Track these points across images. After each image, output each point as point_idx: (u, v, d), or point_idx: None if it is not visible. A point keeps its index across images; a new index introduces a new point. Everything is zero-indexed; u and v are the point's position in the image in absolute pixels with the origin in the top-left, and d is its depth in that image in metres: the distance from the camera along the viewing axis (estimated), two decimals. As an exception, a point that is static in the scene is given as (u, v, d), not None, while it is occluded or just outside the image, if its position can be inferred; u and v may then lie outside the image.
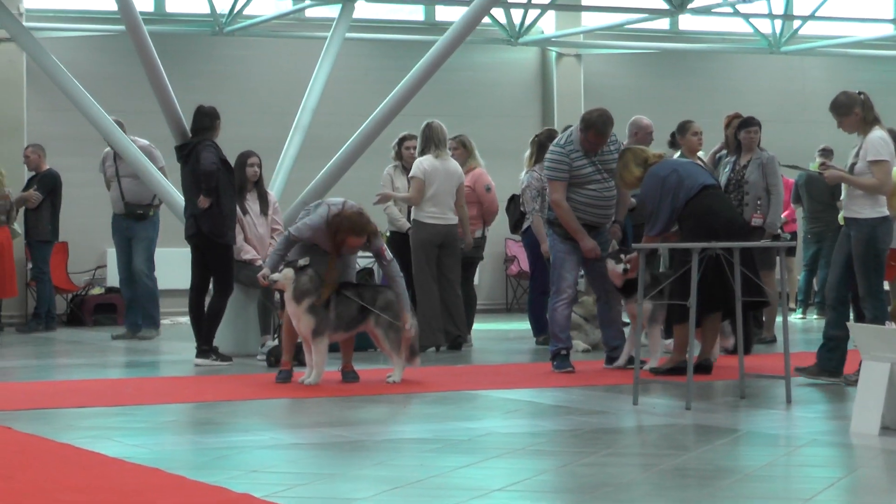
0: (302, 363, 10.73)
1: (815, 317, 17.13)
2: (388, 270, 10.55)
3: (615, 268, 11.01)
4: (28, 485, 6.28)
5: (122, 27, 14.61)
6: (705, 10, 19.83)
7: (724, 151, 13.26)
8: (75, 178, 17.27)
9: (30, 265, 17.06)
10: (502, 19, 20.09)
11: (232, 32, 18.92)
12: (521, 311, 18.82)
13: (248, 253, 12.79)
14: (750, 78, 21.64)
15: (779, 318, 12.28)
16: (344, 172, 13.91)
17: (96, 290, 18.15)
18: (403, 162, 13.72)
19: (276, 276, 10.33)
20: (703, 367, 10.54)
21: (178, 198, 13.19)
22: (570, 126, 11.60)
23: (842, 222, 10.25)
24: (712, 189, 10.61)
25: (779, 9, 20.83)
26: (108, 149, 15.11)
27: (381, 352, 10.93)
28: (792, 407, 8.97)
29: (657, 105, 19.45)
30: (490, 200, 13.93)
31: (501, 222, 15.14)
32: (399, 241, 13.53)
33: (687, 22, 21.64)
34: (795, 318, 17.36)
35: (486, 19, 18.78)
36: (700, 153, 13.22)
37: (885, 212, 9.93)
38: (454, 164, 13.38)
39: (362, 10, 18.88)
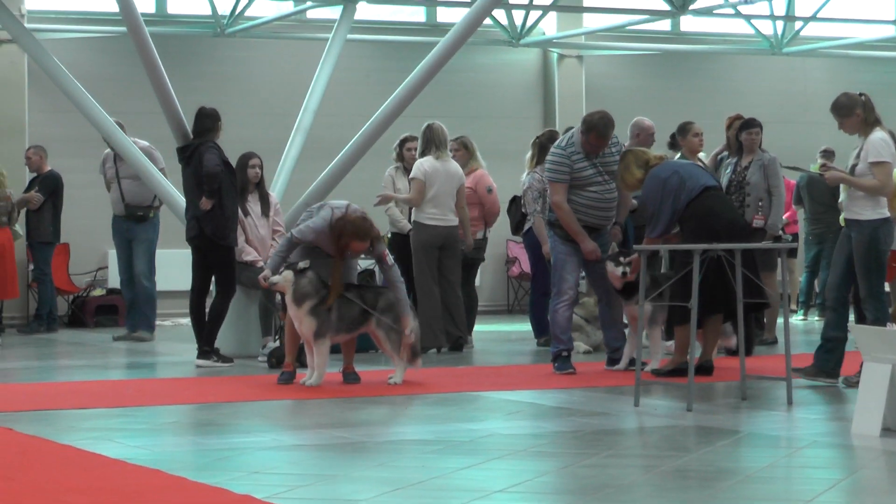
0: (305, 365, 10.73)
1: (816, 318, 17.12)
2: (389, 275, 10.54)
3: (614, 270, 11.01)
4: (29, 486, 6.29)
5: (123, 28, 14.63)
6: (707, 12, 19.83)
7: (726, 153, 13.26)
8: (77, 179, 17.27)
9: (31, 266, 17.06)
10: (504, 21, 20.08)
11: (233, 34, 18.91)
12: (522, 312, 18.81)
13: (249, 254, 12.78)
14: (751, 79, 21.63)
15: (780, 320, 12.28)
16: (345, 174, 13.92)
17: (97, 292, 18.15)
18: (405, 163, 13.72)
19: (275, 278, 10.32)
20: (705, 369, 10.54)
21: (179, 199, 13.18)
22: (572, 128, 11.60)
23: (843, 224, 10.25)
24: (713, 190, 10.61)
25: (780, 10, 20.83)
26: (108, 150, 15.10)
27: (383, 353, 10.93)
28: (793, 408, 8.97)
29: (659, 106, 19.44)
30: (491, 202, 13.93)
31: (503, 224, 15.13)
32: (400, 242, 13.53)
33: (688, 23, 21.62)
34: (797, 319, 17.35)
35: (488, 20, 18.75)
36: (701, 154, 13.21)
37: (886, 213, 9.92)
38: (455, 166, 13.37)
39: (364, 12, 18.89)
